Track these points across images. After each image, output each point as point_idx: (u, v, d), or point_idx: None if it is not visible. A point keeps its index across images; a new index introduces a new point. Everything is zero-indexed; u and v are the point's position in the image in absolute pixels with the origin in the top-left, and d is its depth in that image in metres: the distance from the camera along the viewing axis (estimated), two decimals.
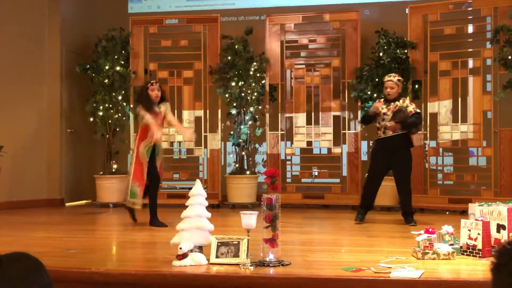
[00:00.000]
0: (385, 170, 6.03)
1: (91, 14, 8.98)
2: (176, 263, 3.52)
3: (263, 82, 8.04)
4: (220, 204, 7.92)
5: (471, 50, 7.48)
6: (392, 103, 5.90)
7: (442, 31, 7.56)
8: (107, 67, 8.04)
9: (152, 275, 3.41)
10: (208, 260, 3.57)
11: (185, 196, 3.90)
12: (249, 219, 3.49)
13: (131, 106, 8.17)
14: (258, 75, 7.94)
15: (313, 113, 8.05)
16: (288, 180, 8.35)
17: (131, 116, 8.22)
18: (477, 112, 7.25)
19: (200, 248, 3.66)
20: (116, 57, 8.11)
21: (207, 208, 3.79)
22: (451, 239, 3.93)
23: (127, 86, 8.17)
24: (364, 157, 8.08)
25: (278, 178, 3.81)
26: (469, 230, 3.80)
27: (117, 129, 8.28)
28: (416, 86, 7.64)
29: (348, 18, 7.98)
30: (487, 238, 3.75)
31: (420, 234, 3.87)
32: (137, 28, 8.34)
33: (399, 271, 3.29)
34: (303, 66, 8.23)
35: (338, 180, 8.07)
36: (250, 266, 3.43)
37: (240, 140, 7.99)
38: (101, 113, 8.08)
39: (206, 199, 3.80)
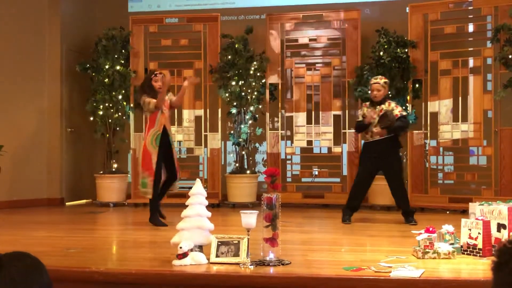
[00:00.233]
0: (374, 172, 6.05)
1: (91, 13, 8.98)
2: (176, 262, 3.51)
3: (263, 81, 8.04)
4: (220, 204, 7.92)
5: (471, 49, 7.48)
6: (378, 106, 5.90)
7: (443, 30, 7.55)
8: (107, 66, 8.03)
9: (153, 274, 3.40)
10: (208, 259, 3.57)
11: (185, 196, 3.90)
12: (249, 218, 3.48)
13: (131, 105, 8.18)
14: (258, 74, 7.94)
15: (313, 113, 8.05)
16: (288, 179, 8.35)
17: (131, 115, 8.22)
18: (478, 111, 7.25)
19: (200, 248, 3.66)
20: (116, 56, 8.11)
21: (207, 207, 3.79)
22: (451, 239, 3.93)
23: (127, 85, 8.17)
24: None
25: (278, 178, 3.82)
26: (470, 229, 3.80)
27: (117, 129, 8.28)
28: (417, 85, 7.63)
29: (349, 17, 7.98)
30: (488, 237, 3.74)
31: (420, 233, 3.87)
32: (137, 27, 8.34)
33: (399, 270, 3.29)
34: (303, 65, 8.23)
35: (338, 180, 8.07)
36: (250, 265, 3.43)
37: (240, 140, 7.99)
38: (101, 113, 8.08)
39: (206, 198, 3.79)
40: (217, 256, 3.58)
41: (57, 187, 8.27)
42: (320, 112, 7.99)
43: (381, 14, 8.35)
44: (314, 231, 5.81)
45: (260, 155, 8.63)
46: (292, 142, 8.20)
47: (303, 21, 8.21)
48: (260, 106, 8.08)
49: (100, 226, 6.63)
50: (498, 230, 3.78)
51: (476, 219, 3.83)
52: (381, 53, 7.50)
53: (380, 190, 7.05)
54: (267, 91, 8.09)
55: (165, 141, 5.83)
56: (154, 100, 5.76)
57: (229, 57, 7.90)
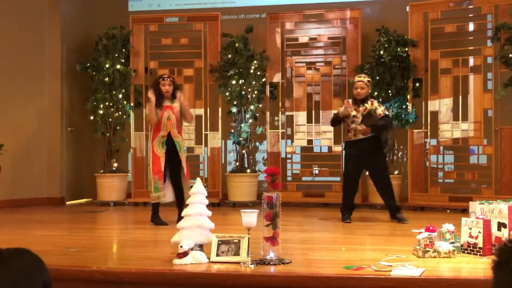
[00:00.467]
0: (360, 171, 6.13)
1: (92, 12, 8.98)
2: (176, 261, 3.51)
3: (263, 80, 8.04)
4: (220, 203, 7.92)
5: (471, 48, 7.47)
6: (362, 105, 5.94)
7: (443, 29, 7.55)
8: (107, 66, 8.04)
9: (153, 273, 3.41)
10: (209, 258, 3.57)
11: None
12: (250, 217, 3.48)
13: (132, 104, 8.19)
14: (258, 73, 7.94)
15: (313, 111, 8.05)
16: (289, 178, 8.36)
17: (132, 114, 8.23)
18: (478, 110, 7.24)
19: (200, 247, 3.66)
20: (116, 55, 8.12)
21: (208, 206, 3.79)
22: (451, 237, 3.93)
23: (127, 84, 8.17)
24: None
25: (279, 177, 3.82)
26: (470, 228, 3.80)
27: (118, 128, 8.28)
28: (417, 84, 7.64)
29: (349, 16, 7.98)
30: (488, 236, 3.74)
31: (420, 232, 3.87)
32: (138, 26, 8.34)
33: (399, 269, 3.29)
34: (304, 64, 8.23)
35: (338, 179, 8.06)
36: (251, 264, 3.43)
37: (241, 139, 7.99)
38: (101, 112, 8.08)
39: (207, 197, 3.79)
40: (217, 255, 3.58)
41: (58, 186, 8.28)
42: (321, 111, 8.00)
43: (382, 13, 8.35)
44: (315, 230, 5.81)
45: (261, 154, 8.63)
46: (292, 141, 8.20)
47: (304, 20, 8.21)
48: (260, 105, 8.07)
49: (100, 225, 6.63)
50: (499, 229, 3.78)
51: (477, 218, 3.83)
52: (382, 52, 7.50)
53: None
54: (268, 90, 8.09)
55: (171, 147, 5.83)
56: (147, 112, 5.83)
57: (230, 56, 7.90)
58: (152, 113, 5.78)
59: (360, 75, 6.22)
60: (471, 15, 7.57)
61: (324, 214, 7.07)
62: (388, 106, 7.55)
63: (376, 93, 7.49)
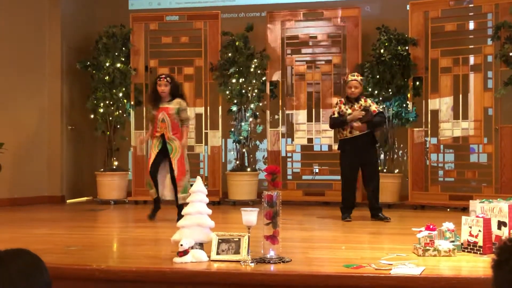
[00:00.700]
0: (358, 168, 6.13)
1: (92, 11, 8.97)
2: (177, 260, 3.52)
3: (263, 79, 8.04)
4: (220, 201, 7.92)
5: (472, 46, 7.47)
6: (356, 103, 5.97)
7: (443, 27, 7.54)
8: (107, 64, 8.03)
9: (153, 272, 3.41)
10: (209, 257, 3.57)
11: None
12: (250, 216, 3.49)
13: (132, 103, 8.19)
14: (258, 72, 7.94)
15: (313, 110, 8.04)
16: (289, 177, 8.35)
17: (132, 113, 8.22)
18: (478, 109, 7.24)
19: (200, 245, 3.66)
20: (116, 54, 8.11)
21: (208, 205, 3.79)
22: (452, 236, 3.93)
23: (127, 83, 8.17)
24: None
25: (279, 175, 3.82)
26: (470, 227, 3.80)
27: (118, 126, 8.28)
28: (417, 83, 7.63)
29: (349, 14, 7.97)
30: (488, 235, 3.74)
31: (421, 231, 3.87)
32: (138, 25, 8.34)
33: (400, 267, 3.29)
34: (304, 62, 8.22)
35: (338, 177, 8.01)
36: (251, 263, 3.43)
37: (241, 137, 7.99)
38: (101, 110, 8.08)
39: (207, 196, 3.80)
40: (217, 253, 3.58)
41: (58, 184, 8.28)
42: (321, 110, 7.99)
43: (382, 11, 8.34)
44: (315, 228, 5.81)
45: (261, 153, 8.63)
46: (292, 140, 8.20)
47: (304, 19, 8.21)
48: (260, 104, 8.07)
49: (100, 224, 6.64)
50: (499, 228, 3.78)
51: (477, 216, 3.83)
52: (382, 51, 7.50)
53: (380, 188, 7.05)
54: (268, 89, 8.08)
55: (164, 149, 5.86)
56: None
57: (230, 54, 7.90)
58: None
59: (353, 73, 6.24)
60: (472, 13, 7.56)
61: (324, 212, 7.07)
62: (388, 104, 7.55)
63: (376, 92, 7.49)
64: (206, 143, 8.14)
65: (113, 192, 8.08)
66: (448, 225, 3.99)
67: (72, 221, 6.41)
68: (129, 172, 8.34)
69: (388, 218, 5.95)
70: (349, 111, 5.95)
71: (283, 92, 8.18)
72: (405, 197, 7.52)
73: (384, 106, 7.48)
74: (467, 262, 3.58)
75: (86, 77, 8.33)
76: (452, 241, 3.88)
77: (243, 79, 7.85)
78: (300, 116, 8.06)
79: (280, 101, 8.14)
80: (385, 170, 7.53)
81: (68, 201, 8.33)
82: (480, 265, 3.44)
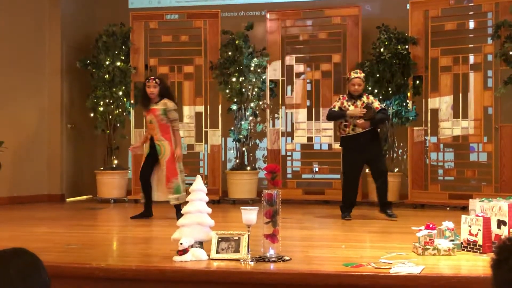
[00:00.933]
0: (360, 167, 6.13)
1: (92, 9, 8.97)
2: (176, 258, 3.52)
3: (263, 77, 8.04)
4: (220, 200, 7.93)
5: (472, 45, 7.47)
6: (359, 100, 5.97)
7: (443, 26, 7.54)
8: (107, 63, 8.03)
9: (153, 270, 3.41)
10: (209, 255, 3.58)
11: (186, 192, 3.90)
12: (250, 214, 3.49)
13: (132, 101, 8.19)
14: (258, 70, 7.94)
15: (313, 109, 8.04)
16: (289, 175, 8.36)
17: (132, 111, 8.22)
18: (478, 108, 7.24)
19: (200, 244, 3.66)
20: (116, 52, 8.11)
21: (208, 203, 3.79)
22: (451, 235, 3.93)
23: (127, 81, 8.16)
24: None
25: (279, 174, 3.81)
26: (470, 226, 3.80)
27: (118, 125, 8.28)
28: (417, 81, 7.63)
29: (349, 13, 7.97)
30: (488, 234, 3.74)
31: (420, 230, 3.87)
32: (138, 23, 8.33)
33: (399, 266, 3.29)
34: (304, 61, 8.22)
35: (338, 176, 8.05)
36: (251, 261, 3.43)
37: (241, 136, 7.99)
38: (101, 109, 8.08)
39: (207, 194, 3.80)
40: (217, 252, 3.58)
41: (58, 183, 8.28)
42: (321, 109, 7.99)
43: (382, 10, 8.34)
44: (314, 227, 5.81)
45: (261, 152, 8.64)
46: (292, 139, 8.20)
47: (304, 17, 8.20)
48: (260, 103, 8.07)
49: (100, 222, 6.64)
50: (498, 227, 3.78)
51: (476, 215, 3.83)
52: (382, 50, 7.50)
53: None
54: (268, 88, 8.08)
55: (154, 151, 5.93)
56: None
57: (230, 53, 7.89)
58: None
59: (355, 71, 6.22)
60: (472, 12, 7.56)
61: (324, 211, 7.07)
62: (388, 103, 7.55)
63: (376, 91, 7.49)
64: (206, 142, 8.14)
65: (113, 191, 8.08)
66: (447, 224, 3.99)
67: (72, 220, 6.41)
68: (129, 171, 8.34)
69: (394, 216, 5.92)
70: (351, 107, 5.94)
71: (283, 90, 8.18)
72: (405, 196, 7.52)
73: (385, 104, 7.48)
74: (466, 261, 3.58)
75: (86, 76, 8.33)
76: (452, 240, 3.89)
77: (243, 78, 7.84)
78: (300, 115, 8.06)
79: (280, 100, 8.13)
80: None
81: (68, 199, 8.34)
82: (479, 264, 3.44)
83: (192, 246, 3.57)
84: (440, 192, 7.37)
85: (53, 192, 8.24)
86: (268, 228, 3.56)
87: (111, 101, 8.09)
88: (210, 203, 3.95)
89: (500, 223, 3.78)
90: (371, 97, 6.09)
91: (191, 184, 3.81)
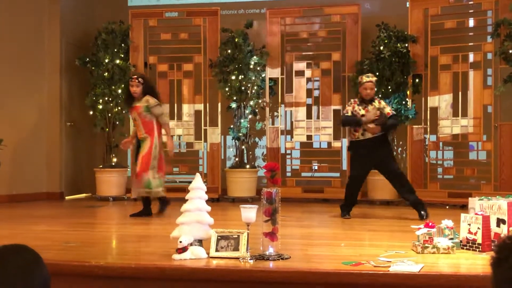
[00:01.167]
0: (368, 172, 6.09)
1: (91, 7, 8.96)
2: (176, 256, 3.51)
3: (263, 75, 8.03)
4: (220, 198, 7.92)
5: (471, 44, 7.47)
6: (370, 104, 5.89)
7: (443, 25, 7.54)
8: (106, 60, 8.03)
9: (152, 268, 3.40)
10: (208, 253, 3.57)
11: (185, 190, 3.90)
12: (249, 212, 3.48)
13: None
14: (258, 68, 7.93)
15: (313, 107, 8.04)
16: (288, 174, 8.36)
17: None
18: (478, 106, 7.24)
19: (200, 242, 3.66)
20: (115, 50, 8.10)
21: (207, 201, 3.78)
22: (451, 233, 3.93)
23: (126, 79, 8.10)
24: None
25: (278, 172, 3.81)
26: (469, 224, 3.80)
27: (117, 123, 8.28)
28: (417, 80, 7.63)
29: (349, 11, 7.96)
30: (487, 232, 3.74)
31: (420, 228, 3.87)
32: (137, 21, 8.32)
33: (398, 265, 3.29)
34: (303, 59, 8.21)
35: (338, 174, 8.08)
36: (250, 259, 3.43)
37: (240, 134, 7.98)
38: (100, 107, 8.08)
39: (206, 193, 3.79)
40: (216, 250, 3.58)
41: (57, 181, 8.28)
42: (320, 107, 7.99)
43: (381, 8, 8.34)
44: (314, 225, 5.82)
45: (260, 150, 8.64)
46: (292, 137, 8.20)
47: (304, 15, 8.20)
48: (260, 101, 8.06)
49: (99, 220, 6.64)
50: (498, 225, 3.78)
51: (476, 214, 3.83)
52: (381, 48, 7.49)
53: (379, 185, 7.06)
54: (267, 86, 8.08)
55: (139, 147, 5.98)
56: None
57: (229, 51, 7.89)
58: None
59: (368, 74, 6.12)
60: (471, 11, 7.56)
61: (323, 209, 7.07)
62: (388, 102, 7.53)
63: (375, 89, 7.47)
64: (206, 140, 8.13)
65: (112, 189, 8.08)
66: (447, 223, 3.98)
67: (71, 218, 6.40)
68: (128, 169, 8.34)
69: (424, 217, 5.66)
70: (362, 111, 5.85)
71: (283, 89, 8.17)
72: None
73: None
74: (466, 260, 3.58)
75: (85, 74, 8.32)
76: (451, 239, 3.88)
77: (243, 76, 7.84)
78: (300, 113, 8.06)
79: (280, 98, 8.13)
80: None
81: (67, 197, 8.33)
82: (479, 263, 3.44)
83: (191, 244, 3.57)
84: (440, 190, 7.38)
85: (52, 190, 8.23)
86: (267, 226, 3.55)
87: (110, 99, 8.08)
88: (210, 201, 3.95)
89: (500, 221, 3.78)
90: (382, 102, 6.00)
91: (190, 182, 3.80)
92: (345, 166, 7.90)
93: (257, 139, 8.57)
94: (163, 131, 6.01)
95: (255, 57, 7.90)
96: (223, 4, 8.64)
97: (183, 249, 3.52)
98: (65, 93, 8.42)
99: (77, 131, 8.58)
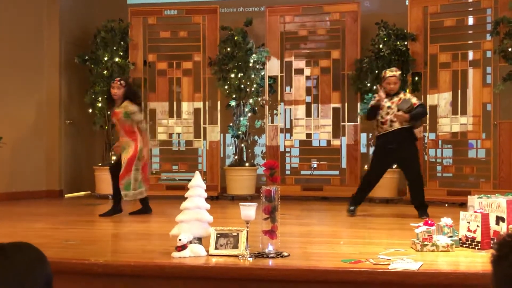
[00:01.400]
0: (387, 167, 6.01)
1: (90, 5, 8.95)
2: (175, 254, 3.51)
3: (262, 73, 8.03)
4: (219, 196, 7.93)
5: (471, 42, 7.47)
6: (396, 96, 5.80)
7: (442, 23, 7.54)
8: (106, 58, 8.02)
9: (151, 266, 3.41)
10: (207, 251, 3.57)
11: (184, 188, 3.89)
12: (248, 210, 3.48)
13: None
14: (257, 66, 7.93)
15: (312, 105, 8.04)
16: (287, 172, 8.36)
17: None
18: (477, 105, 7.24)
19: (199, 240, 3.66)
20: (115, 48, 8.09)
21: (206, 199, 3.78)
22: (450, 231, 3.93)
23: (126, 77, 8.14)
24: (363, 149, 8.08)
25: (277, 170, 3.81)
26: (468, 222, 3.80)
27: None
28: (416, 78, 7.63)
29: (348, 9, 7.96)
30: (486, 230, 3.75)
31: (419, 226, 3.88)
32: (136, 19, 8.31)
33: (398, 262, 3.29)
34: (303, 57, 8.21)
35: (337, 172, 8.08)
36: (249, 257, 3.43)
37: (239, 132, 7.98)
38: (100, 105, 8.07)
39: (205, 190, 3.79)
40: (216, 248, 3.58)
41: (56, 179, 8.28)
42: (319, 105, 7.99)
43: (381, 6, 8.34)
44: (313, 223, 5.82)
45: (259, 148, 8.63)
46: (291, 135, 8.20)
47: (303, 14, 8.19)
48: (259, 99, 8.06)
49: (98, 218, 6.62)
50: (497, 223, 3.79)
51: (475, 212, 3.83)
52: (381, 46, 7.49)
53: (379, 183, 7.04)
54: (266, 84, 8.07)
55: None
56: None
57: (228, 49, 7.88)
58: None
59: (391, 69, 6.02)
60: (471, 9, 7.56)
61: (323, 207, 7.08)
62: None
63: (375, 87, 7.47)
64: (205, 138, 8.13)
65: (111, 187, 8.03)
66: (446, 221, 3.99)
67: (70, 216, 6.40)
68: None
69: (423, 216, 5.65)
70: (388, 103, 5.76)
71: (282, 87, 8.17)
72: (403, 192, 7.51)
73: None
74: (465, 257, 3.59)
75: (84, 72, 8.32)
76: (450, 236, 3.89)
77: (242, 74, 7.83)
78: (299, 111, 8.06)
79: (279, 96, 8.13)
80: None
81: (66, 195, 8.33)
82: (478, 260, 3.44)
83: (190, 242, 3.57)
84: (439, 188, 7.38)
85: (52, 188, 8.23)
86: (266, 224, 3.55)
87: None
88: (209, 199, 3.95)
89: (499, 219, 3.78)
90: (408, 94, 5.96)
91: (189, 180, 3.80)
92: (344, 164, 7.91)
93: (256, 137, 8.57)
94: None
95: (254, 55, 7.90)
96: (223, 2, 8.64)
97: (183, 247, 3.52)
98: (65, 91, 8.42)
99: (77, 129, 8.57)
